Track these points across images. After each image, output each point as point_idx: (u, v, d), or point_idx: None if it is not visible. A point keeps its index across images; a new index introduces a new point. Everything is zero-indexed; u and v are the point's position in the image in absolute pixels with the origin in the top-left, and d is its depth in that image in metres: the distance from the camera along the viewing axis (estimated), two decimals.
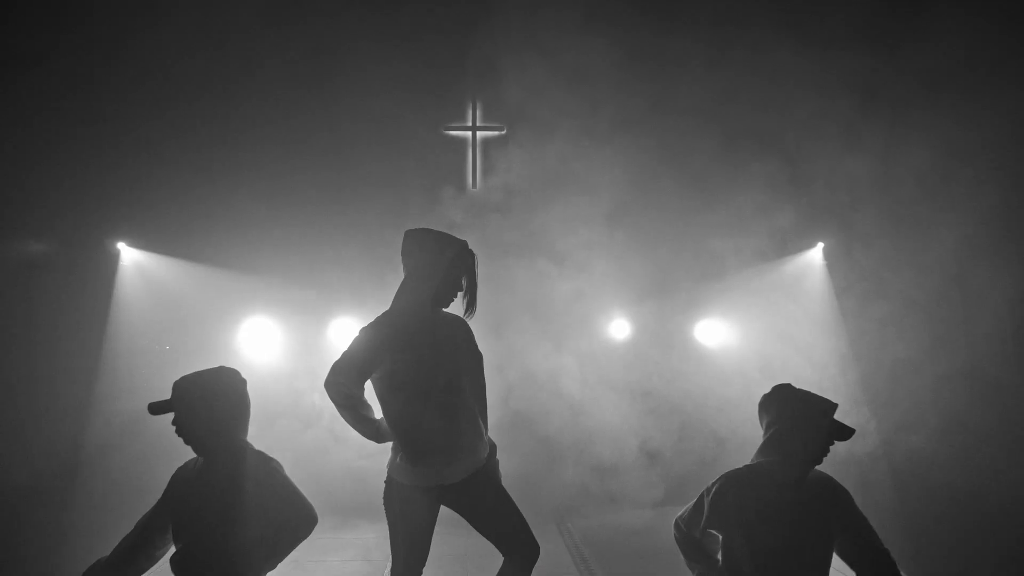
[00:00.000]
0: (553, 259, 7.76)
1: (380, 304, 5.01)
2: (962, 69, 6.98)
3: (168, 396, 2.95)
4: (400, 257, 3.23)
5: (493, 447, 3.30)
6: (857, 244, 8.03)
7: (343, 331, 8.11)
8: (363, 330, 3.13)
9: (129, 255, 8.40)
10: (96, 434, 7.45)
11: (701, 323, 8.54)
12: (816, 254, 8.68)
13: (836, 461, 6.91)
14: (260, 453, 3.06)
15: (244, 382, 3.08)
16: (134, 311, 8.18)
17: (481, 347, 3.34)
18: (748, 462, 2.98)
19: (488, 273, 3.81)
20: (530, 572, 3.12)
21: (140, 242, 8.41)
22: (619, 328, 8.38)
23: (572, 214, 7.81)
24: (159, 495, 3.09)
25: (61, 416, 7.50)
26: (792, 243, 8.45)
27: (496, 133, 9.32)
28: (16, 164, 7.54)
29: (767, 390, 3.02)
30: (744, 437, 6.90)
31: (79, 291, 8.02)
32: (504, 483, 3.29)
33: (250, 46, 7.83)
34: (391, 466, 3.14)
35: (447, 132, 9.30)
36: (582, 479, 6.93)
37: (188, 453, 3.20)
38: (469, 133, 9.34)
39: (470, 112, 9.38)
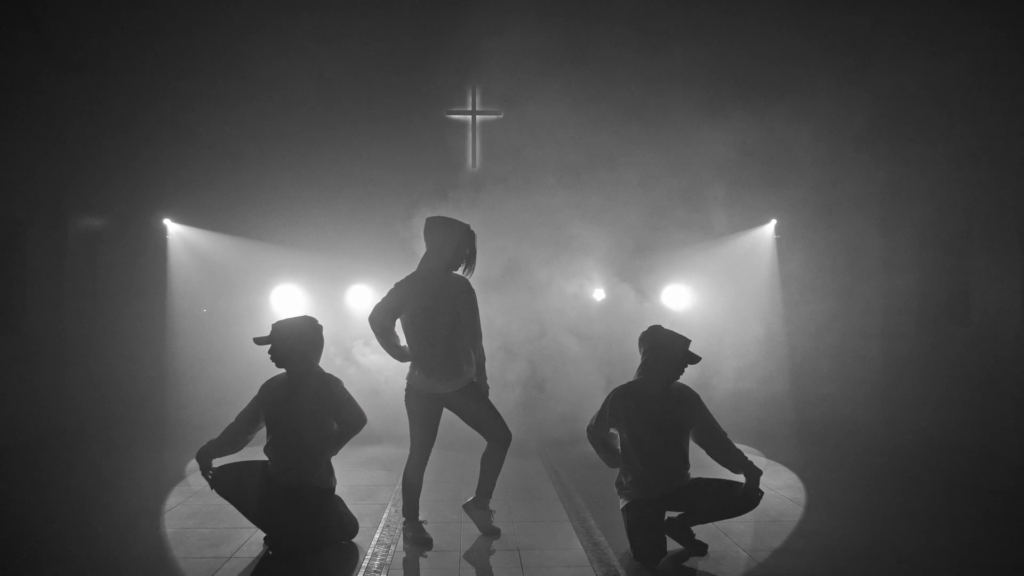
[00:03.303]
0: (544, 231, 8.74)
1: (391, 271, 6.22)
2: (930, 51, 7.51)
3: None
4: (423, 235, 4.56)
5: (482, 369, 4.67)
6: (803, 223, 9.18)
7: (359, 295, 9.38)
8: (396, 284, 4.50)
9: (174, 229, 9.69)
10: (171, 368, 9.12)
11: (667, 288, 9.77)
12: (768, 229, 9.87)
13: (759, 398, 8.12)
14: (328, 374, 4.44)
15: (321, 327, 4.45)
16: (183, 278, 9.50)
17: (483, 298, 4.67)
18: (631, 379, 4.34)
19: (487, 245, 5.15)
20: (505, 451, 4.51)
21: (183, 218, 9.67)
22: (597, 293, 9.58)
23: (559, 194, 8.83)
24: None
25: (142, 356, 9.16)
26: (749, 218, 9.56)
27: (494, 117, 10.42)
28: (79, 153, 8.74)
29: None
30: (709, 381, 8.18)
31: (140, 261, 9.35)
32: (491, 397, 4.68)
33: (277, 43, 8.76)
34: (410, 377, 4.51)
35: (449, 116, 10.37)
36: (561, 417, 8.16)
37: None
38: (469, 117, 10.41)
39: (470, 98, 10.46)
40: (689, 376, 4.43)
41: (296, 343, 4.35)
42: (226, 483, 4.30)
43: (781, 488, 5.71)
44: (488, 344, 4.90)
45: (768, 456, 6.92)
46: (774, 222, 9.77)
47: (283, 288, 9.51)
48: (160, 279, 9.38)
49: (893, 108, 7.80)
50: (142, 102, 9.11)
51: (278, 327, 4.38)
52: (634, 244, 9.05)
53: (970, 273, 7.26)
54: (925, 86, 7.50)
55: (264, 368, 4.50)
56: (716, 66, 8.74)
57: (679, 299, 9.69)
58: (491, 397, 4.68)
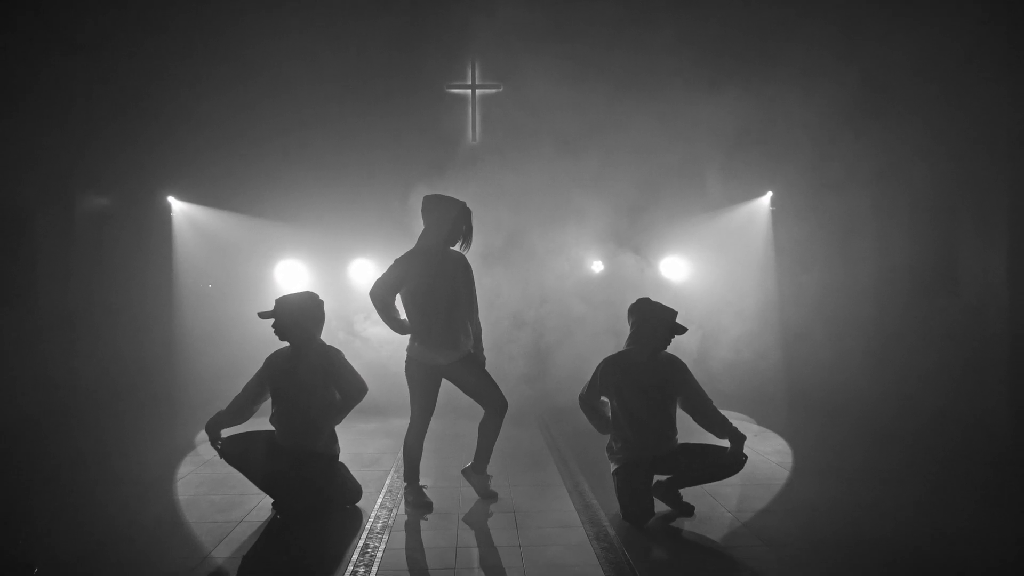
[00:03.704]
0: (543, 201, 8.84)
1: (392, 245, 6.39)
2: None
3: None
4: (420, 213, 4.71)
5: (479, 341, 4.84)
6: (798, 195, 9.28)
7: (361, 269, 9.55)
8: (396, 260, 4.65)
9: (179, 207, 9.84)
10: (179, 343, 9.37)
11: (665, 259, 9.89)
12: (764, 201, 9.97)
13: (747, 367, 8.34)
14: (330, 346, 4.63)
15: (322, 302, 4.63)
16: (188, 255, 9.68)
17: (483, 274, 4.82)
18: (620, 349, 4.52)
19: (486, 216, 5.23)
20: (502, 418, 4.70)
21: (187, 196, 9.80)
22: (596, 265, 9.72)
23: (558, 165, 8.91)
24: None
25: (150, 331, 9.42)
26: (746, 190, 9.66)
27: (494, 90, 10.46)
28: (83, 134, 8.86)
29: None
30: (708, 352, 8.37)
31: (146, 239, 9.52)
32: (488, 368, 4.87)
33: (278, 23, 8.82)
34: (410, 349, 4.69)
35: (449, 90, 10.41)
36: (561, 383, 8.30)
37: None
38: (469, 91, 10.45)
39: (470, 72, 10.49)
40: (688, 346, 4.60)
41: (298, 317, 4.53)
42: (234, 452, 4.50)
43: (770, 453, 5.90)
44: (493, 314, 5.07)
45: (760, 423, 7.11)
46: (770, 194, 9.85)
47: (286, 263, 9.68)
48: (166, 256, 9.56)
49: (887, 84, 7.87)
50: (144, 83, 9.20)
51: (281, 302, 4.55)
52: (632, 214, 9.14)
53: (959, 244, 7.39)
54: (918, 64, 7.56)
55: (268, 341, 4.69)
56: (714, 39, 8.79)
57: (677, 270, 9.84)
58: (491, 366, 4.87)
